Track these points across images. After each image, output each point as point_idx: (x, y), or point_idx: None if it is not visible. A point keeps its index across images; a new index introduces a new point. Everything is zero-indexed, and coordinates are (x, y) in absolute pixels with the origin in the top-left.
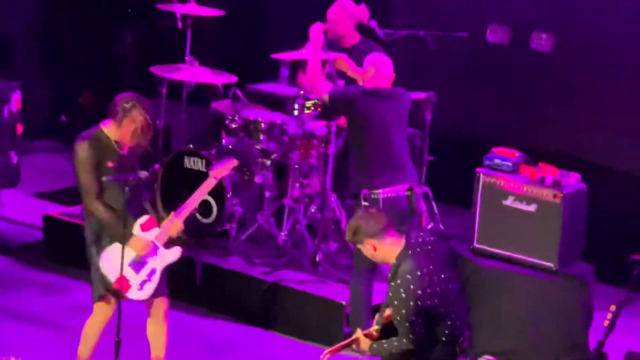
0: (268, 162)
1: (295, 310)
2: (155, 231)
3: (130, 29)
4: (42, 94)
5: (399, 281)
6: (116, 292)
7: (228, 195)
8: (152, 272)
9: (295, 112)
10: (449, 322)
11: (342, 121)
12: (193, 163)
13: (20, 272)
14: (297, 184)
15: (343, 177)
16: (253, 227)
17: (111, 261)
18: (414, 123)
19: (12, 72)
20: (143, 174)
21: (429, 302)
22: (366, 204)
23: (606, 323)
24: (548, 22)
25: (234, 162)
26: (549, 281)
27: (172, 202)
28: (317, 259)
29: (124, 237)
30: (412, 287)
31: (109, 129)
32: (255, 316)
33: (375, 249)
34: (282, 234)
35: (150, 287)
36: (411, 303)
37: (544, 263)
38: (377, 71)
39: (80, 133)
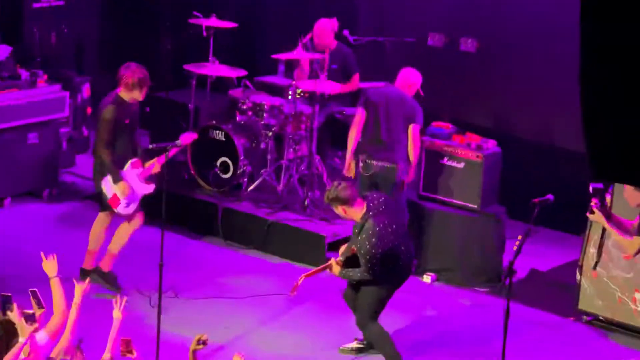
0: (270, 133)
1: (289, 240)
2: (139, 170)
3: (169, 37)
4: (105, 85)
5: (364, 235)
6: (109, 205)
7: (241, 158)
8: (136, 197)
9: (289, 97)
10: (402, 251)
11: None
12: (215, 134)
13: (89, 212)
14: (291, 149)
15: (324, 143)
16: (259, 181)
17: (108, 186)
18: None
19: (83, 69)
20: (179, 142)
21: (386, 246)
22: (362, 164)
23: (515, 248)
24: (473, 29)
25: (194, 136)
26: (473, 217)
27: (200, 162)
28: (306, 203)
29: (115, 176)
30: (373, 239)
31: (124, 93)
32: (260, 244)
33: (345, 212)
34: (280, 185)
35: (132, 207)
36: (373, 251)
37: (470, 205)
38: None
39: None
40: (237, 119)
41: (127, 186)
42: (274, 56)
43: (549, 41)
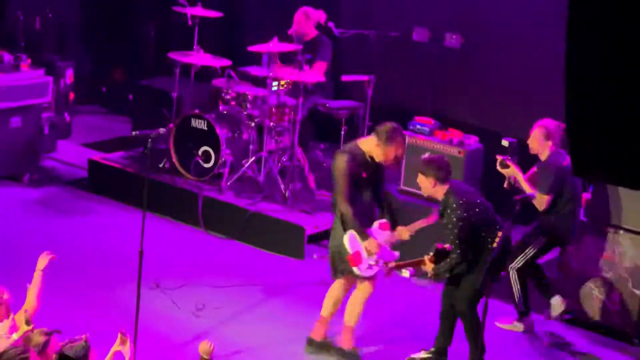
0: (252, 124)
1: (269, 231)
2: (387, 233)
3: (153, 24)
4: (88, 71)
5: (449, 210)
6: (347, 263)
7: (223, 147)
8: (379, 261)
9: (274, 88)
10: (489, 227)
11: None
12: (198, 123)
13: (70, 198)
14: (273, 140)
15: (306, 135)
16: (240, 171)
17: (353, 241)
18: (358, 98)
19: (66, 53)
20: (161, 130)
21: (473, 219)
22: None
23: (494, 245)
24: (458, 25)
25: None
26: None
27: (182, 151)
28: (286, 194)
29: (361, 232)
30: (458, 212)
31: (368, 146)
32: (240, 234)
33: (434, 186)
34: (261, 176)
35: (373, 271)
36: (460, 224)
37: None
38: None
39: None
40: (220, 108)
41: (377, 244)
42: (250, 48)
43: (534, 39)
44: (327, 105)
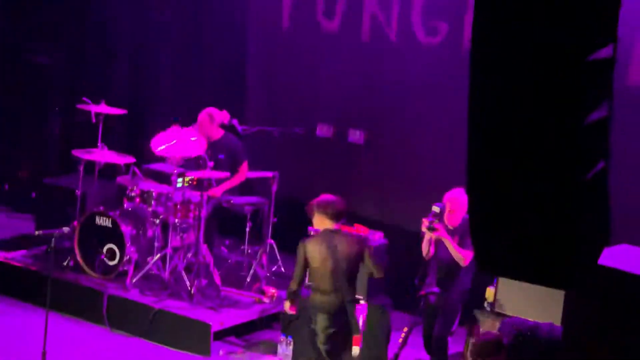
0: (157, 221)
1: (175, 328)
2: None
3: (57, 121)
4: None
5: None
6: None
7: (127, 245)
8: None
9: (178, 185)
10: None
11: (211, 192)
12: (102, 221)
13: None
14: (178, 237)
15: (211, 231)
16: (145, 268)
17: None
18: (263, 193)
19: None
20: (65, 229)
21: None
22: None
23: (400, 340)
24: (361, 121)
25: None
26: (359, 308)
27: (87, 249)
28: (192, 291)
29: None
30: None
31: None
32: (146, 332)
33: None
34: (166, 273)
35: None
36: None
37: (356, 295)
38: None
39: None
40: (125, 206)
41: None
42: (153, 142)
43: (434, 135)
44: (232, 201)
